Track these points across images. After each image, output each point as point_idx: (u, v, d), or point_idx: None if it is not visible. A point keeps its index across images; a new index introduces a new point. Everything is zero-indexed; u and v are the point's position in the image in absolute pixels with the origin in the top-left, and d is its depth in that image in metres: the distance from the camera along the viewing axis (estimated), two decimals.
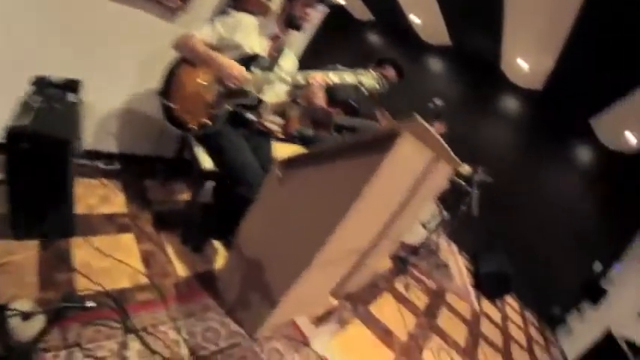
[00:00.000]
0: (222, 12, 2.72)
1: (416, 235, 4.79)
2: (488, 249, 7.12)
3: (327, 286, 2.59)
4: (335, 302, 2.96)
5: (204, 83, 2.32)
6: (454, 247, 6.58)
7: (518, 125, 8.11)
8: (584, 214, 7.37)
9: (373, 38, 10.11)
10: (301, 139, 3.24)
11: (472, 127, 7.87)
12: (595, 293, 6.84)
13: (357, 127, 3.26)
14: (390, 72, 3.54)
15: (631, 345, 4.21)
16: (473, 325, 4.56)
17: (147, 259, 2.17)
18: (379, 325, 3.13)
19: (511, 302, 6.90)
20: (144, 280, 2.02)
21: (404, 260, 4.56)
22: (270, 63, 2.50)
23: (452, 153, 2.32)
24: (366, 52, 9.63)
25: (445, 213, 5.24)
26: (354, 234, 2.05)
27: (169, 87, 2.33)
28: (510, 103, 8.20)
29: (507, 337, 5.11)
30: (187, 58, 2.32)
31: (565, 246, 7.38)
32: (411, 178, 2.24)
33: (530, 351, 5.35)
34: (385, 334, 3.06)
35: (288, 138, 3.24)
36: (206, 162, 2.40)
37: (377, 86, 2.30)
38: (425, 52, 8.98)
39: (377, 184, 1.68)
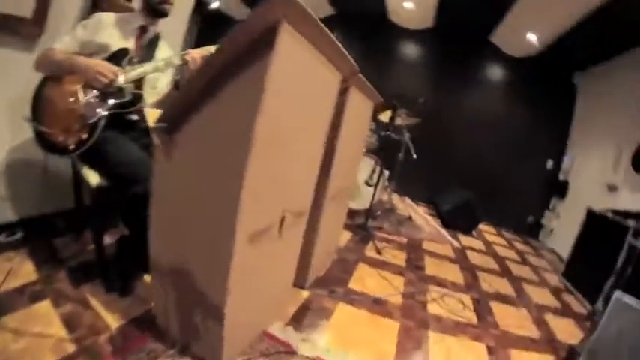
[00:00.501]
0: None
1: (365, 200, 4.40)
2: (440, 190, 6.95)
3: (282, 275, 2.12)
4: (305, 293, 2.48)
5: (73, 98, 1.98)
6: (408, 201, 6.25)
7: (424, 65, 8.05)
8: (518, 124, 7.51)
9: None
10: None
11: (381, 81, 7.51)
12: (559, 188, 6.93)
13: None
14: None
15: (617, 213, 4.02)
16: (462, 261, 4.21)
17: (70, 321, 1.73)
18: (368, 298, 2.65)
19: (486, 229, 6.70)
20: (71, 346, 1.58)
21: (363, 226, 4.15)
22: (145, 56, 2.22)
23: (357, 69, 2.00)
24: None
25: (386, 171, 4.92)
26: (277, 182, 1.58)
27: (39, 111, 2.00)
28: (409, 49, 8.09)
29: (499, 258, 4.84)
30: (52, 73, 2.03)
31: (512, 159, 7.45)
32: (319, 97, 1.82)
33: (526, 262, 5.12)
34: (379, 306, 2.59)
35: None
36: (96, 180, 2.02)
37: None
38: None
39: (272, 99, 1.24)
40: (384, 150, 4.82)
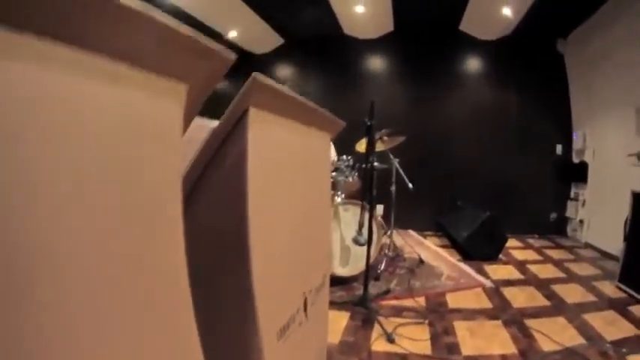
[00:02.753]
0: None
1: (359, 260, 3.41)
2: (448, 212, 6.08)
3: None
4: None
5: None
6: (413, 233, 5.18)
7: (396, 74, 7.16)
8: (512, 114, 6.75)
9: None
10: None
11: (351, 104, 5.68)
12: (576, 173, 6.20)
13: None
14: None
15: None
16: (503, 311, 3.14)
17: None
18: None
19: (510, 243, 5.55)
20: None
21: (362, 301, 3.06)
22: None
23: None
24: None
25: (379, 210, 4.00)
26: None
27: None
28: (374, 62, 7.22)
29: (542, 284, 3.84)
30: None
31: (516, 153, 6.64)
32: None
33: (572, 276, 4.22)
34: None
35: None
36: None
37: None
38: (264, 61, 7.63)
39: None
40: (371, 188, 3.74)
